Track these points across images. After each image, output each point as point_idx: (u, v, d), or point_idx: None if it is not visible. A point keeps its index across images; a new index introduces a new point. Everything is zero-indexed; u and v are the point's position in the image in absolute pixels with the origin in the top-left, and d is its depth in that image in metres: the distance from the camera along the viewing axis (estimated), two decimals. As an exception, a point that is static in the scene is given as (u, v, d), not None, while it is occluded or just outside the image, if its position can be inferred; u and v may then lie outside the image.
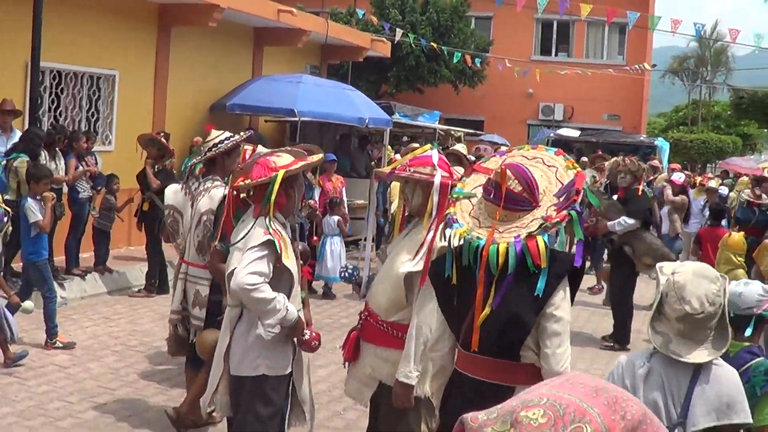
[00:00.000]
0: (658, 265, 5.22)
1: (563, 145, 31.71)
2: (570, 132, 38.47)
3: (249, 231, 6.58)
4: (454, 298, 5.57)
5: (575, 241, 5.67)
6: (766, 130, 71.16)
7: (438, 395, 5.82)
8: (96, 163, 16.51)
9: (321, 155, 7.25)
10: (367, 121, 22.31)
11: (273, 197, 6.62)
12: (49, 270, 12.69)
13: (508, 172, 5.42)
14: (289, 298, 6.60)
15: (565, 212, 5.32)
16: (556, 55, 45.61)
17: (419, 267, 6.24)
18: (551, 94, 43.43)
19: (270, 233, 6.51)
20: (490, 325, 5.30)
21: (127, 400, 10.32)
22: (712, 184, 22.04)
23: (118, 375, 11.30)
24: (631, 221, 14.25)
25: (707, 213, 19.74)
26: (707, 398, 4.78)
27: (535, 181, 5.48)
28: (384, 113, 24.18)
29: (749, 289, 6.28)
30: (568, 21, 43.68)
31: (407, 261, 6.30)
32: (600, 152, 27.32)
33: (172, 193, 9.40)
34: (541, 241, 5.25)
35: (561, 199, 5.41)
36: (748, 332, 6.14)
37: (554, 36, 45.71)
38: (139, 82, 20.03)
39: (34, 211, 12.09)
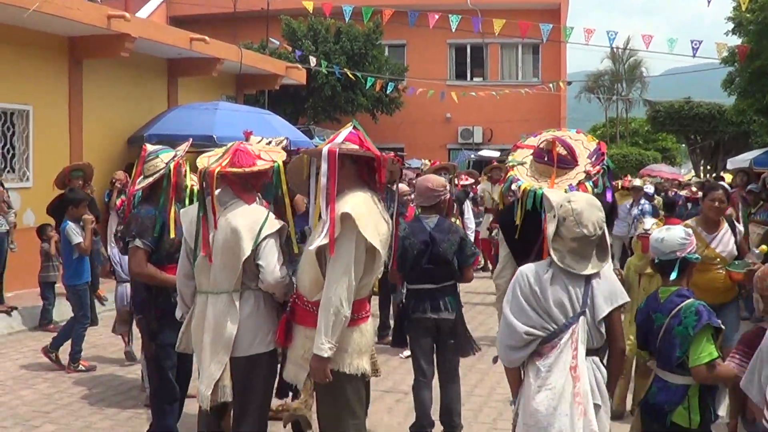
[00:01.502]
0: (551, 197, 6.52)
1: (485, 165, 31.66)
2: (490, 153, 38.55)
3: (266, 218, 6.90)
4: (518, 235, 7.13)
5: (606, 188, 7.33)
6: (683, 145, 71.67)
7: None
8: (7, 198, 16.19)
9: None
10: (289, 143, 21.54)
11: (284, 185, 7.15)
12: (88, 294, 12.94)
13: (556, 141, 7.21)
14: None
15: (599, 166, 7.18)
16: (471, 79, 45.82)
17: (327, 240, 6.22)
18: (469, 118, 43.61)
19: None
20: None
21: (63, 422, 10.11)
22: (637, 182, 21.98)
23: (52, 400, 11.08)
24: None
25: (634, 213, 19.75)
26: (602, 291, 6.09)
27: (573, 148, 7.26)
28: (304, 136, 24.12)
29: (671, 234, 6.83)
30: (481, 44, 43.95)
31: (317, 237, 6.30)
32: (495, 162, 26.75)
33: None
34: (588, 185, 6.98)
35: (593, 159, 7.25)
36: (674, 276, 6.76)
37: (468, 60, 46.00)
38: (54, 116, 19.75)
39: (76, 234, 12.56)
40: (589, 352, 6.05)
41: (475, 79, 45.85)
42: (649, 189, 22.89)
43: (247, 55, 25.75)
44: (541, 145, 7.29)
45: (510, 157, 7.63)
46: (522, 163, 7.43)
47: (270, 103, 32.18)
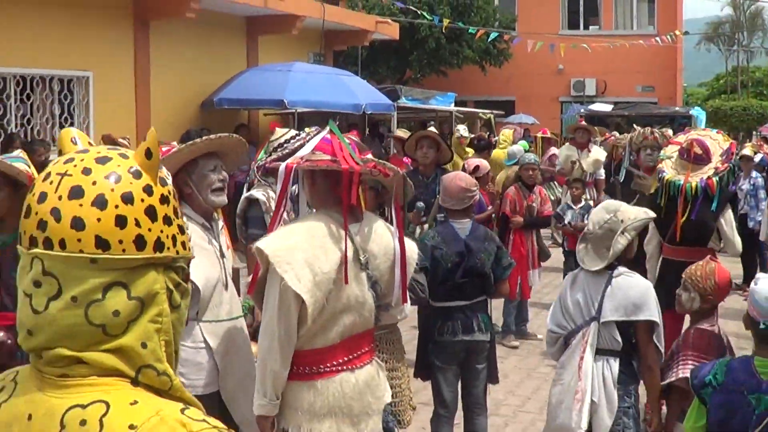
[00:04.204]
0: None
1: (597, 121, 30.38)
2: (602, 107, 37.44)
3: None
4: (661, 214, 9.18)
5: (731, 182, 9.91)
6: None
7: (652, 273, 9.83)
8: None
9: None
10: (363, 107, 20.73)
11: None
12: None
13: (694, 142, 9.73)
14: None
15: (727, 164, 9.60)
16: (586, 28, 44.36)
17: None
18: (582, 69, 42.21)
19: None
20: (689, 227, 9.55)
21: None
22: (746, 151, 18.47)
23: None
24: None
25: (745, 188, 17.35)
26: (615, 298, 6.50)
27: (708, 148, 9.75)
28: (385, 98, 22.78)
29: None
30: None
31: None
32: (582, 121, 23.48)
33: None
34: (714, 180, 9.44)
35: (723, 158, 9.68)
36: None
37: (581, 8, 44.47)
38: (118, 83, 18.56)
39: None
40: (606, 353, 6.61)
41: (590, 28, 44.13)
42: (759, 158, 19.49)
43: (330, 11, 23.82)
44: (685, 144, 9.84)
45: (662, 152, 10.62)
46: (669, 158, 10.04)
47: (370, 57, 31.40)
